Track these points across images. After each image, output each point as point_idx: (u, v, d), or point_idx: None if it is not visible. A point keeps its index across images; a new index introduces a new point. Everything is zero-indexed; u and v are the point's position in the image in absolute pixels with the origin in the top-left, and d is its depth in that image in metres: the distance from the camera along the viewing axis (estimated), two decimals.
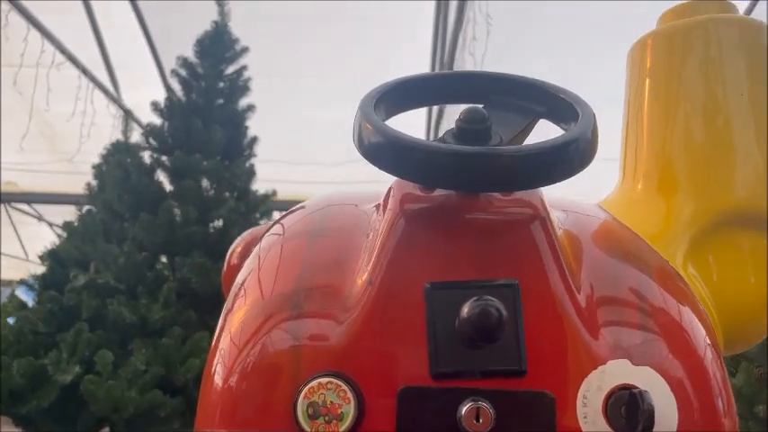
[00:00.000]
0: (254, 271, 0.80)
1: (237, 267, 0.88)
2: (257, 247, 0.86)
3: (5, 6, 5.80)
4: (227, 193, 4.22)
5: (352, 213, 0.84)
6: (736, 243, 0.86)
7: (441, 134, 0.78)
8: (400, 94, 0.81)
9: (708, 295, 0.83)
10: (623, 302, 0.73)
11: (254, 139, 4.52)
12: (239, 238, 1.00)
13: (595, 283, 0.73)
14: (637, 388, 0.65)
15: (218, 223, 4.07)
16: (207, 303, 3.71)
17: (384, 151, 0.70)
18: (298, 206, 0.91)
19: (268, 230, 0.89)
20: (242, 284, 0.80)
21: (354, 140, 0.74)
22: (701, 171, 0.87)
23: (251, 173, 4.41)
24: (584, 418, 0.65)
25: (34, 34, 6.17)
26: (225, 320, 0.78)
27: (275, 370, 0.69)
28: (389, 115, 0.80)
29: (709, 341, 0.75)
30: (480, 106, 0.76)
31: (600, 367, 0.67)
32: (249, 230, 1.00)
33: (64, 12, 6.56)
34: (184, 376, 3.37)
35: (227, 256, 0.98)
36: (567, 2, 5.06)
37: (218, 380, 0.73)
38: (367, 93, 0.78)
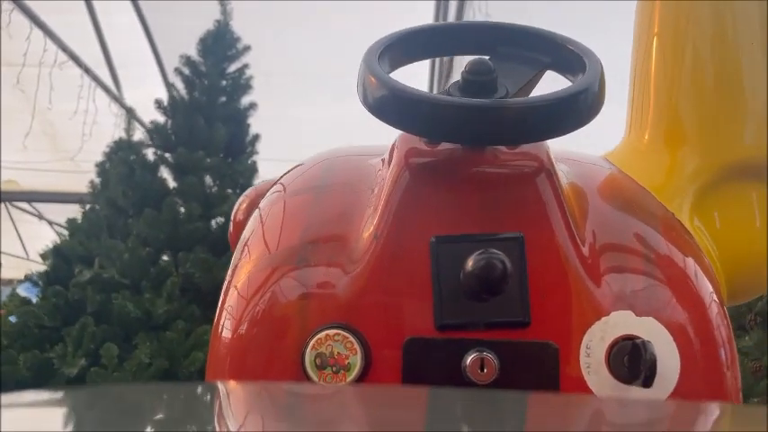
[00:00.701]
0: (260, 226, 0.80)
1: (243, 224, 0.87)
2: (262, 202, 0.86)
3: (8, 6, 5.82)
4: (230, 190, 4.24)
5: (357, 167, 0.84)
6: (741, 194, 0.85)
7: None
8: (405, 46, 0.80)
9: (712, 246, 0.82)
10: (628, 253, 0.73)
11: (256, 137, 4.54)
12: (244, 195, 0.98)
13: (600, 235, 0.73)
14: (639, 338, 0.65)
15: (221, 219, 4.09)
16: (210, 298, 3.73)
17: (388, 104, 0.69)
18: (303, 161, 0.90)
19: (272, 186, 0.88)
20: (248, 239, 0.80)
21: (358, 94, 0.73)
22: (708, 123, 0.86)
23: (253, 170, 4.43)
24: (588, 367, 0.66)
25: (37, 33, 6.19)
26: (232, 275, 0.78)
27: (283, 321, 0.70)
28: (394, 67, 0.78)
29: (713, 292, 0.74)
30: (486, 58, 0.75)
31: (603, 318, 0.67)
32: (253, 187, 0.99)
33: (66, 11, 6.58)
34: (188, 369, 3.39)
35: (233, 214, 0.97)
36: (567, 2, 5.09)
37: (226, 332, 0.73)
38: (371, 44, 0.76)
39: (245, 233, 0.82)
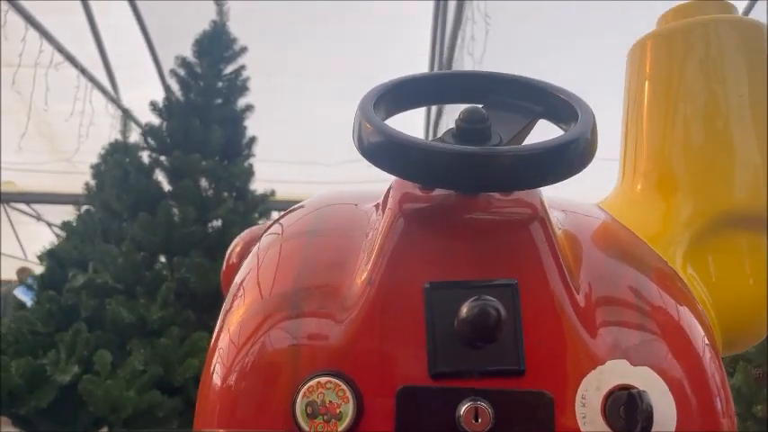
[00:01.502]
0: (253, 271, 0.80)
1: (236, 267, 0.87)
2: (256, 246, 0.86)
3: (4, 6, 5.80)
4: (226, 193, 4.21)
5: (351, 213, 0.84)
6: (734, 244, 0.86)
7: (440, 133, 0.77)
8: (400, 94, 0.81)
9: (707, 296, 0.83)
10: (622, 303, 0.73)
11: (253, 139, 4.52)
12: (238, 238, 0.99)
13: (594, 284, 0.73)
14: (635, 388, 0.65)
15: (217, 223, 4.07)
16: (205, 303, 3.71)
17: (383, 150, 0.70)
18: (296, 206, 0.91)
19: (267, 230, 0.89)
20: (241, 284, 0.80)
21: (354, 140, 0.74)
22: (701, 172, 0.87)
23: (249, 173, 4.41)
24: (583, 417, 0.65)
25: (33, 34, 6.18)
26: (224, 320, 0.78)
27: (274, 369, 0.69)
28: (389, 115, 0.80)
29: (707, 341, 0.75)
30: (480, 106, 0.76)
31: (598, 367, 0.67)
32: (248, 230, 1.00)
33: (62, 11, 6.57)
34: (183, 376, 3.37)
35: (226, 256, 0.98)
36: (567, 1, 5.07)
37: (216, 379, 0.73)
38: (367, 92, 0.78)
39: (239, 277, 0.83)
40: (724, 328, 0.82)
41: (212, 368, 0.75)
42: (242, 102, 4.51)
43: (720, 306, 0.83)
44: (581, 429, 0.65)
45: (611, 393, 0.66)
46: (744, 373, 3.06)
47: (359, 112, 0.74)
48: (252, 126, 4.56)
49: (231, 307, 0.78)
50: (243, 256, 0.89)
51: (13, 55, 5.92)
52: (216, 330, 0.78)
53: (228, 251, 0.98)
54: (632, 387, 0.65)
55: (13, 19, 5.95)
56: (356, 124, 0.74)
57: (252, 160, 4.52)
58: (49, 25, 6.41)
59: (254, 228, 1.00)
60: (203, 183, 4.17)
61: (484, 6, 5.00)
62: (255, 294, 0.76)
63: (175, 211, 3.96)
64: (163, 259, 3.96)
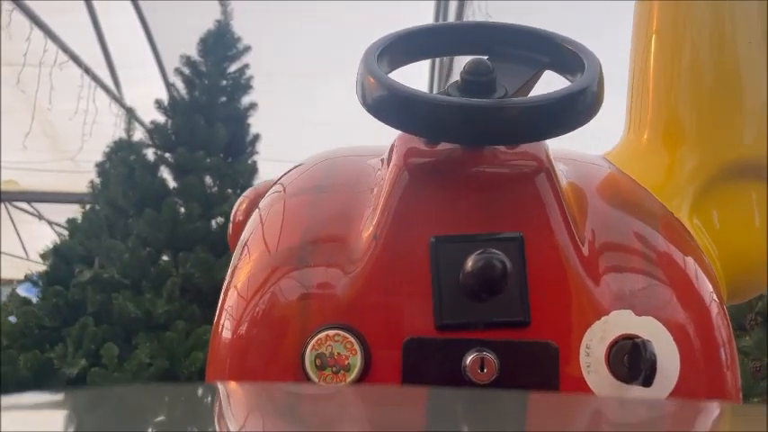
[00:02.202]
0: (260, 227, 0.80)
1: (242, 224, 0.87)
2: (262, 203, 0.85)
3: (8, 5, 5.82)
4: (230, 190, 4.24)
5: (356, 168, 0.84)
6: (739, 193, 0.85)
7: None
8: (404, 47, 0.80)
9: (712, 246, 0.82)
10: (628, 252, 0.73)
11: (257, 137, 4.54)
12: (243, 196, 0.98)
13: (600, 234, 0.73)
14: (639, 337, 0.65)
15: (221, 219, 4.09)
16: (210, 298, 3.73)
17: (387, 105, 0.69)
18: (301, 162, 0.90)
19: (272, 187, 0.88)
20: (248, 241, 0.80)
21: (357, 94, 0.73)
22: (707, 122, 0.85)
23: (253, 170, 4.43)
24: (588, 366, 0.66)
25: (37, 33, 6.18)
26: (232, 276, 0.77)
27: (283, 321, 0.70)
28: (393, 68, 0.78)
29: (713, 293, 0.74)
30: (485, 58, 0.75)
31: (603, 317, 0.67)
32: (252, 187, 0.99)
33: (66, 11, 6.57)
34: (188, 369, 3.39)
35: (232, 215, 0.97)
36: (568, 1, 5.08)
37: (226, 332, 0.73)
38: (370, 45, 0.76)
39: (245, 234, 0.82)
40: (728, 277, 0.81)
41: (222, 322, 0.74)
42: (246, 100, 4.53)
43: (726, 255, 0.82)
44: (585, 378, 0.66)
45: (615, 343, 0.66)
46: (742, 366, 3.08)
47: (362, 65, 0.73)
48: (255, 124, 4.59)
49: (239, 263, 0.78)
50: (248, 213, 0.88)
51: (18, 54, 5.93)
52: (224, 287, 0.78)
53: (234, 209, 0.97)
54: (636, 336, 0.66)
55: (18, 18, 5.96)
56: (359, 78, 0.72)
57: (255, 158, 4.54)
58: (53, 25, 6.41)
59: (258, 185, 0.98)
60: (208, 180, 4.19)
61: (485, 6, 5.02)
62: (263, 249, 0.76)
63: (180, 207, 3.98)
64: (168, 255, 3.98)
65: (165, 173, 4.23)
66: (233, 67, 4.53)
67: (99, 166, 4.85)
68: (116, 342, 3.40)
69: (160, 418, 0.42)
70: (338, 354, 0.66)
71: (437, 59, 6.39)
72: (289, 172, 0.89)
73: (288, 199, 0.82)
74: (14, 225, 9.98)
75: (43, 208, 9.86)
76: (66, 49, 6.54)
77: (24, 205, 9.92)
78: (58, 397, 0.50)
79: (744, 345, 3.02)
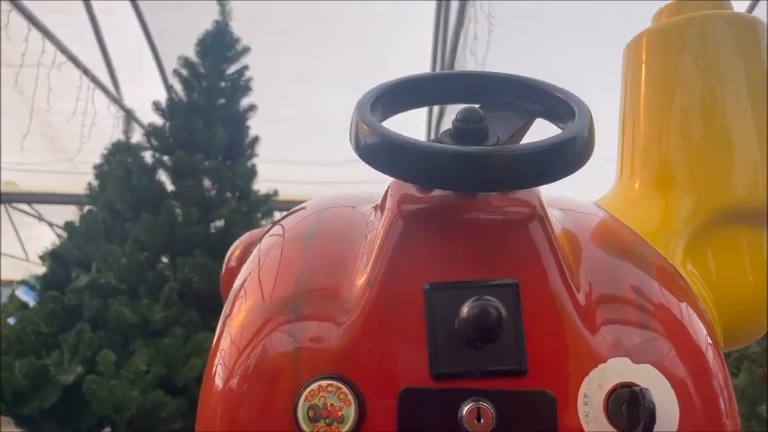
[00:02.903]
0: (253, 274, 0.80)
1: (236, 270, 0.87)
2: (256, 250, 0.86)
3: (6, 6, 5.81)
4: (229, 193, 4.22)
5: (349, 215, 0.84)
6: (734, 240, 0.86)
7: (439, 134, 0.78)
8: (397, 95, 0.81)
9: (707, 292, 0.82)
10: (623, 300, 0.73)
11: (256, 139, 4.53)
12: (237, 242, 0.99)
13: (594, 282, 0.73)
14: (637, 385, 0.65)
15: (220, 223, 4.07)
16: (208, 303, 3.71)
17: (380, 152, 0.70)
18: (295, 209, 0.91)
19: (266, 233, 0.89)
20: (240, 288, 0.80)
21: (351, 141, 0.74)
22: (699, 167, 0.87)
23: (252, 173, 4.42)
24: (586, 416, 0.65)
25: (35, 34, 6.18)
26: (224, 324, 0.78)
27: (275, 372, 0.69)
28: (387, 116, 0.80)
29: (710, 339, 0.75)
30: (477, 106, 0.76)
31: (600, 365, 0.67)
32: (247, 233, 1.00)
33: (65, 11, 6.57)
34: (186, 376, 3.37)
35: (225, 260, 0.98)
36: (572, 1, 5.07)
37: (218, 382, 0.73)
38: (364, 94, 0.77)
39: (238, 280, 0.83)
40: (724, 324, 0.82)
41: (214, 371, 0.74)
42: (245, 102, 4.51)
43: (721, 302, 0.83)
44: (584, 428, 0.65)
45: (613, 391, 0.66)
46: (748, 372, 3.05)
47: (356, 113, 0.74)
48: (255, 126, 4.57)
49: (231, 311, 0.78)
50: (242, 259, 0.89)
51: (16, 55, 5.92)
52: (216, 334, 0.78)
53: (227, 255, 0.98)
54: (634, 384, 0.65)
55: (16, 19, 5.95)
56: (353, 125, 0.73)
57: (255, 160, 4.52)
58: (52, 25, 6.42)
59: (253, 231, 1.00)
60: (206, 183, 4.18)
61: (487, 6, 5.00)
62: (256, 298, 0.76)
63: (178, 211, 3.96)
64: (166, 259, 3.96)
65: (163, 176, 4.21)
66: (232, 69, 4.51)
67: (97, 168, 4.83)
68: (113, 348, 3.37)
69: None
70: (331, 405, 0.65)
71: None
72: (282, 219, 0.90)
73: (281, 246, 0.83)
74: (14, 226, 9.99)
75: (43, 209, 9.88)
76: (64, 50, 6.54)
77: (24, 206, 9.94)
78: None
79: (751, 351, 3.01)
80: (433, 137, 0.81)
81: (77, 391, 3.24)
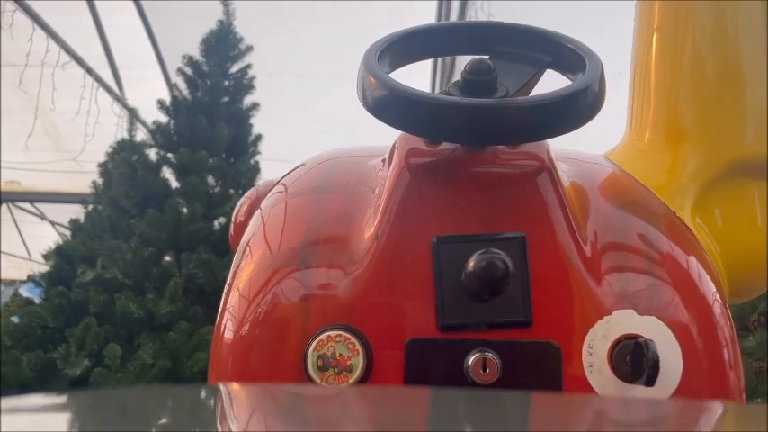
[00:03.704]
0: (261, 228, 0.80)
1: (244, 225, 0.87)
2: (263, 203, 0.85)
3: (11, 6, 5.83)
4: (232, 190, 4.24)
5: (357, 168, 0.83)
6: (742, 192, 0.84)
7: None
8: (404, 47, 0.79)
9: (714, 245, 0.82)
10: (630, 252, 0.72)
11: (259, 137, 4.54)
12: (244, 197, 0.98)
13: (602, 234, 0.73)
14: (642, 337, 0.65)
15: (224, 220, 4.09)
16: (213, 298, 3.74)
17: (388, 105, 0.68)
18: (301, 163, 0.90)
19: (273, 187, 0.88)
20: (249, 242, 0.80)
21: (358, 94, 0.72)
22: (709, 121, 0.85)
23: (255, 170, 4.43)
24: (590, 366, 0.66)
25: (39, 34, 6.20)
26: (233, 277, 0.77)
27: (285, 322, 0.69)
28: (394, 68, 0.78)
29: (715, 291, 0.74)
30: (486, 57, 0.74)
31: (605, 317, 0.67)
32: (254, 188, 0.99)
33: (69, 12, 6.58)
34: (191, 370, 3.39)
35: (233, 216, 0.97)
36: (571, 2, 5.08)
37: (228, 334, 0.73)
38: (370, 45, 0.76)
39: (246, 235, 0.82)
40: (730, 276, 0.81)
41: (224, 323, 0.74)
42: (248, 100, 4.53)
43: (728, 254, 0.82)
44: (588, 378, 0.66)
45: (617, 342, 0.66)
46: (745, 366, 3.06)
47: (362, 65, 0.72)
48: (258, 124, 4.59)
49: (240, 263, 0.78)
50: (250, 214, 0.88)
51: (20, 55, 5.94)
52: (225, 288, 0.78)
53: (235, 210, 0.97)
54: (639, 336, 0.65)
55: (20, 19, 5.97)
56: (360, 78, 0.72)
57: (258, 158, 4.54)
58: (56, 25, 6.43)
59: (260, 185, 0.98)
60: (210, 180, 4.19)
61: (488, 6, 5.02)
62: (264, 250, 0.76)
63: (183, 207, 3.98)
64: (170, 255, 3.98)
65: (168, 173, 4.23)
66: (235, 68, 4.53)
67: (101, 166, 4.85)
68: (119, 342, 3.40)
69: (162, 420, 0.42)
70: (340, 354, 0.66)
71: (439, 59, 6.39)
72: (290, 172, 0.89)
73: (289, 200, 0.82)
74: (17, 225, 10.00)
75: (46, 208, 9.88)
76: (68, 50, 6.55)
77: (27, 206, 9.94)
78: (60, 399, 0.50)
79: (747, 345, 3.02)
80: (440, 89, 0.76)
81: (84, 384, 3.27)
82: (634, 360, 0.65)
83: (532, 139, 0.72)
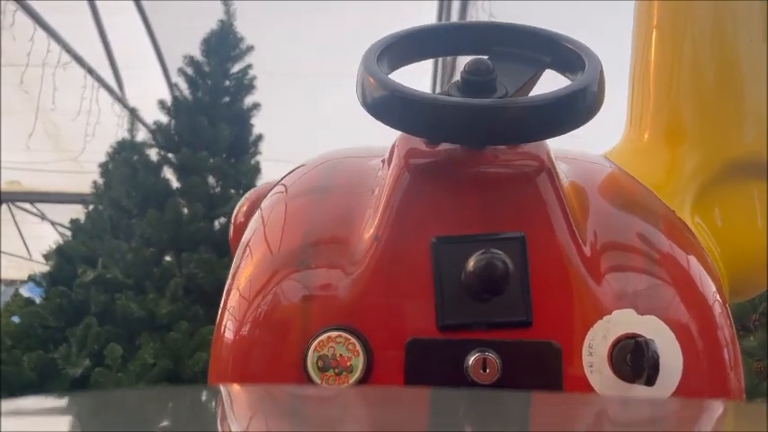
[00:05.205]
0: (261, 229, 0.80)
1: (243, 225, 0.87)
2: (263, 204, 0.85)
3: (12, 6, 5.84)
4: (233, 190, 4.24)
5: (357, 169, 0.84)
6: (741, 191, 0.84)
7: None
8: (404, 47, 0.79)
9: (713, 244, 0.82)
10: (630, 251, 0.72)
11: (260, 137, 4.54)
12: (244, 197, 0.98)
13: (601, 234, 0.73)
14: (642, 336, 0.65)
15: (224, 220, 4.09)
16: (214, 298, 3.74)
17: (388, 105, 0.69)
18: (302, 164, 0.90)
19: (273, 188, 0.88)
20: (249, 243, 0.80)
21: (357, 95, 0.72)
22: (708, 120, 0.85)
23: (256, 170, 4.43)
24: (590, 366, 0.66)
25: (40, 34, 6.20)
26: (233, 278, 0.77)
27: (285, 322, 0.70)
28: (393, 68, 0.78)
29: (715, 291, 0.74)
30: (485, 57, 0.74)
31: (605, 317, 0.67)
32: (254, 189, 0.99)
33: (69, 12, 6.59)
34: (192, 370, 3.39)
35: (233, 217, 0.97)
36: (572, 2, 5.08)
37: (228, 334, 0.73)
38: (370, 46, 0.76)
39: (246, 235, 0.82)
40: (730, 276, 0.81)
41: (224, 324, 0.74)
42: (249, 100, 4.53)
43: (728, 254, 0.82)
44: (588, 377, 0.66)
45: (617, 342, 0.66)
46: (745, 366, 3.06)
47: (362, 66, 0.72)
48: (258, 124, 4.59)
49: (240, 265, 0.78)
50: (249, 214, 0.88)
51: (21, 55, 5.94)
52: (225, 289, 0.78)
53: (235, 211, 0.97)
54: (639, 335, 0.65)
55: (21, 19, 5.98)
56: (359, 79, 0.72)
57: (258, 158, 4.54)
58: (57, 25, 6.44)
59: (259, 186, 0.98)
60: (211, 180, 4.19)
61: (488, 6, 5.02)
62: (264, 251, 0.76)
63: (184, 208, 3.99)
64: (171, 255, 3.99)
65: (169, 173, 4.23)
66: (236, 68, 4.53)
67: (102, 166, 4.85)
68: (120, 342, 3.40)
69: (163, 422, 0.42)
70: (340, 355, 0.66)
71: (440, 60, 6.39)
72: (290, 173, 0.89)
73: (289, 200, 0.82)
74: (17, 225, 10.00)
75: (46, 208, 9.89)
76: (69, 50, 6.56)
77: (27, 206, 9.94)
78: (61, 401, 0.50)
79: (747, 345, 3.02)
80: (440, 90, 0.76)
81: (85, 384, 3.27)
82: (634, 360, 0.65)
83: (532, 139, 0.72)
